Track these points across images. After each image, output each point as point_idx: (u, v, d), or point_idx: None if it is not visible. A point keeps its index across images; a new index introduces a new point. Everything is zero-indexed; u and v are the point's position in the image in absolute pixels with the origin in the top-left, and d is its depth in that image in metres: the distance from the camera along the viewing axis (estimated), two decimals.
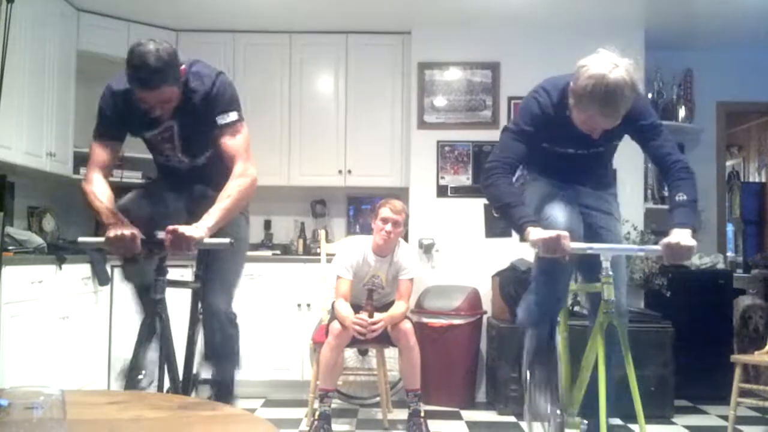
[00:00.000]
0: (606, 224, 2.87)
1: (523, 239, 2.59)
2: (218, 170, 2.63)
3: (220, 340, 2.77)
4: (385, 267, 4.06)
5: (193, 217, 2.55)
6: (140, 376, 2.48)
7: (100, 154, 2.62)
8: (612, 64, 2.42)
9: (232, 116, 2.60)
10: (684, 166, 2.62)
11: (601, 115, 2.47)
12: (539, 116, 2.65)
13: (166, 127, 2.66)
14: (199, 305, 2.82)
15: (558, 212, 2.69)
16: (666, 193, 4.92)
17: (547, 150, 2.73)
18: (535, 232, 2.48)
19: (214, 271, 2.76)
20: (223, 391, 2.80)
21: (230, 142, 2.58)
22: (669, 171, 2.63)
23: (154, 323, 2.49)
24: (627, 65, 2.43)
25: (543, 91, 2.68)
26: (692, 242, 2.47)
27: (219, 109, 2.59)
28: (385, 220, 3.97)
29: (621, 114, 2.48)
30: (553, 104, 2.65)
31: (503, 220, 2.90)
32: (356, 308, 3.95)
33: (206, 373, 2.86)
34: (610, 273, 2.53)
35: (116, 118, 2.63)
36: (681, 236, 2.48)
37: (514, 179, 2.71)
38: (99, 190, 2.54)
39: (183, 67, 2.55)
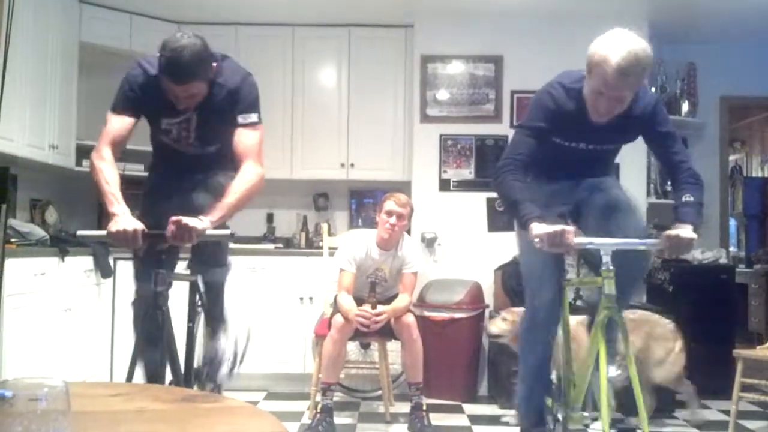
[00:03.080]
0: (612, 185, 2.90)
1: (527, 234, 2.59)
2: (225, 159, 2.71)
3: (220, 307, 2.87)
4: (389, 260, 4.06)
5: (196, 203, 2.58)
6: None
7: (114, 126, 2.62)
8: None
9: (253, 117, 2.67)
10: (695, 174, 2.68)
11: (619, 74, 2.42)
12: (553, 110, 2.64)
13: (186, 117, 2.70)
14: (197, 297, 2.84)
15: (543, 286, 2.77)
16: (669, 188, 4.93)
17: (557, 145, 2.71)
18: (539, 227, 2.48)
19: (207, 253, 2.80)
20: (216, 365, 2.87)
21: (246, 141, 2.64)
22: (680, 176, 2.68)
23: (155, 316, 2.49)
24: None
25: (558, 84, 2.68)
26: (692, 235, 2.52)
27: (242, 107, 2.65)
28: (389, 213, 3.96)
29: (639, 77, 2.47)
30: (568, 97, 2.64)
31: (511, 216, 2.91)
32: (359, 301, 3.95)
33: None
34: (611, 267, 2.53)
35: (139, 97, 2.64)
36: (681, 229, 2.51)
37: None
38: (107, 171, 2.52)
39: (215, 64, 2.59)
